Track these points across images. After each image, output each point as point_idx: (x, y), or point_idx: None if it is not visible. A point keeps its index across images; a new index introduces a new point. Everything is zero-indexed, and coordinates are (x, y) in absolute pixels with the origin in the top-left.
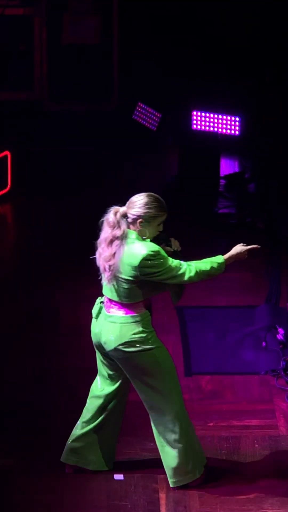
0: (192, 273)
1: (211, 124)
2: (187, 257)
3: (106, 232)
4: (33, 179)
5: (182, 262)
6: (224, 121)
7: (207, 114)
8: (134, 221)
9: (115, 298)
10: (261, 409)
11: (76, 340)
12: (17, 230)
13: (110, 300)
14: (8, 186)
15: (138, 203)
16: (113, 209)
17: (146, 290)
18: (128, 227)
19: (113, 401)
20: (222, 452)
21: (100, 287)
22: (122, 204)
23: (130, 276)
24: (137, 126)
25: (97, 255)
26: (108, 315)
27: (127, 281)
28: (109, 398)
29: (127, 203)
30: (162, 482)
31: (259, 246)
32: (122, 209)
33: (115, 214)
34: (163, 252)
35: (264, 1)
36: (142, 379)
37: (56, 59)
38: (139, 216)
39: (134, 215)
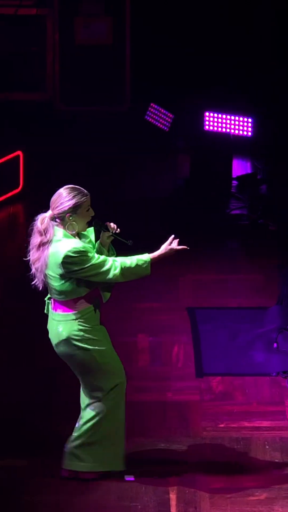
0: (117, 271)
1: (224, 125)
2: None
3: (35, 238)
4: (45, 179)
5: (108, 259)
6: (237, 122)
7: (220, 115)
8: (62, 218)
9: (54, 297)
10: (271, 410)
11: None
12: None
13: (53, 299)
14: (20, 186)
15: (58, 200)
16: (40, 216)
17: (79, 287)
18: (59, 226)
19: None
20: (232, 453)
21: (113, 288)
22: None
23: (57, 274)
24: (150, 127)
25: (31, 260)
26: (52, 313)
27: (55, 279)
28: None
29: (50, 205)
30: (173, 482)
31: (188, 248)
32: (48, 214)
33: (42, 221)
34: (87, 249)
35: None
36: (83, 376)
37: (69, 60)
38: (65, 212)
39: (60, 213)
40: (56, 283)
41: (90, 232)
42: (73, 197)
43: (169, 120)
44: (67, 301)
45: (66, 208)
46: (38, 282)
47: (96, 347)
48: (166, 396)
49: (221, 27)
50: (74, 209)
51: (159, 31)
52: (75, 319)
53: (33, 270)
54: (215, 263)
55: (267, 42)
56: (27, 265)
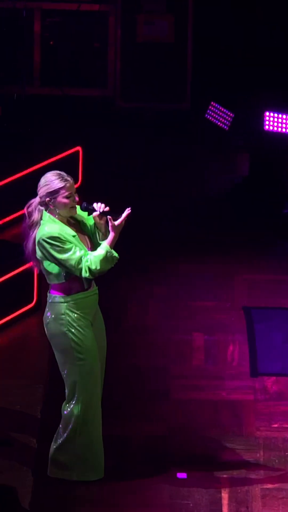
0: (87, 274)
1: (284, 125)
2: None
3: (24, 222)
4: (104, 175)
5: (84, 256)
6: None
7: (280, 115)
8: (44, 203)
9: (47, 279)
10: None
11: (141, 338)
12: None
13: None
14: (79, 181)
15: (39, 185)
16: (28, 203)
17: (63, 271)
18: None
19: None
20: (286, 453)
21: (167, 285)
22: None
23: (39, 256)
24: (210, 126)
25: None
26: (48, 294)
27: (39, 261)
28: None
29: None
30: (225, 481)
31: (129, 210)
32: (35, 200)
33: (29, 205)
34: (65, 237)
35: None
36: (60, 360)
37: (130, 57)
38: (44, 196)
39: (41, 197)
40: (44, 265)
41: (90, 219)
42: (52, 181)
43: (229, 119)
44: (60, 284)
45: (44, 193)
46: (33, 265)
47: (77, 339)
48: (220, 395)
49: (283, 25)
50: (51, 194)
51: (221, 29)
52: (64, 302)
53: (26, 253)
54: (271, 263)
55: None
56: None
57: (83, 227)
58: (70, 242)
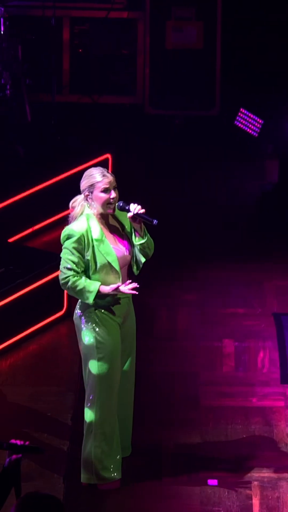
0: (66, 285)
1: None
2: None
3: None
4: (134, 183)
5: (74, 270)
6: None
7: None
8: (85, 197)
9: None
10: None
11: (170, 344)
12: None
13: None
14: None
15: (82, 180)
16: (74, 198)
17: (90, 268)
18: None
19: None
20: None
21: (198, 292)
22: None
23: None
24: (239, 132)
25: None
26: None
27: None
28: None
29: None
30: (256, 488)
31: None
32: (80, 195)
33: (73, 201)
34: (72, 240)
35: None
36: (82, 356)
37: (159, 64)
38: (83, 191)
39: (82, 191)
40: None
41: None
42: (90, 176)
43: (258, 125)
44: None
45: (84, 187)
46: None
47: (101, 338)
48: (251, 402)
49: None
50: (89, 187)
51: (250, 36)
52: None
53: None
54: None
55: None
56: None
57: (124, 227)
58: (78, 252)
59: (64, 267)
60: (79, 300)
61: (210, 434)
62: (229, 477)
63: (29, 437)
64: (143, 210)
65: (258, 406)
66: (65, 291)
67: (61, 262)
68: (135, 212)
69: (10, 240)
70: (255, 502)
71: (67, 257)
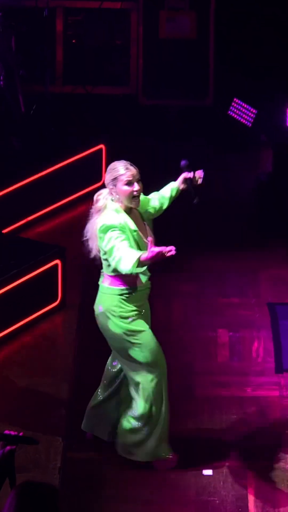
0: (117, 260)
1: None
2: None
3: (93, 211)
4: None
5: (129, 250)
6: None
7: None
8: (110, 191)
9: (103, 269)
10: None
11: (166, 334)
12: None
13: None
14: (103, 180)
15: (107, 172)
16: (98, 192)
17: None
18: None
19: (120, 375)
20: None
21: (192, 282)
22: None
23: (99, 246)
24: (233, 122)
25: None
26: (100, 284)
27: (99, 250)
28: (116, 372)
29: None
30: (251, 477)
31: (172, 249)
32: (105, 189)
33: (98, 194)
34: (118, 229)
35: None
36: (117, 349)
37: (152, 54)
38: (108, 184)
39: (107, 185)
40: (102, 256)
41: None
42: (113, 169)
43: (252, 115)
44: (114, 276)
45: (108, 180)
46: (90, 251)
47: (131, 327)
48: (246, 392)
49: None
50: (113, 180)
51: (243, 26)
52: (117, 295)
53: (85, 238)
54: None
55: None
56: None
57: (146, 217)
58: (124, 234)
59: (112, 256)
60: (99, 297)
61: (205, 423)
62: (224, 467)
63: (24, 428)
64: (200, 181)
65: (253, 396)
66: (59, 281)
67: (109, 253)
68: (193, 180)
69: (4, 231)
70: (250, 491)
71: (117, 243)
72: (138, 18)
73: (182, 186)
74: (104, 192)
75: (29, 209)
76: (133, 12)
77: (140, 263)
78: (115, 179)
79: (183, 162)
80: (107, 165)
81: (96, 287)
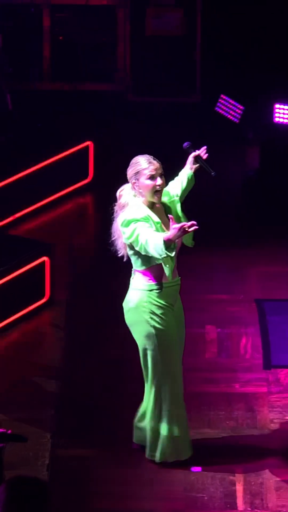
0: (144, 244)
1: None
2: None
3: (118, 214)
4: (114, 170)
5: (153, 232)
6: None
7: None
8: (132, 185)
9: (133, 267)
10: None
11: None
12: (98, 220)
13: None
14: (90, 176)
15: (128, 168)
16: (120, 188)
17: (145, 257)
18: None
19: None
20: None
21: (182, 280)
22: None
23: (125, 240)
24: (220, 119)
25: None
26: (131, 281)
27: (125, 246)
28: None
29: None
30: (239, 474)
31: (194, 224)
32: (128, 184)
33: (120, 190)
34: (141, 221)
35: None
36: (141, 346)
37: (139, 51)
38: (131, 179)
39: (130, 180)
40: (128, 251)
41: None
42: (135, 163)
43: (239, 111)
44: (144, 271)
45: (131, 175)
46: (120, 252)
47: (159, 325)
48: (234, 388)
49: None
50: (135, 175)
51: (230, 22)
52: (147, 290)
53: (113, 238)
54: (284, 255)
55: None
56: (95, 257)
57: (169, 211)
58: (148, 223)
59: (139, 242)
60: (130, 292)
61: (193, 420)
62: (212, 464)
63: (12, 426)
64: (205, 156)
65: (241, 392)
66: (47, 277)
67: (136, 242)
68: (202, 154)
69: None
70: (239, 488)
71: (140, 230)
72: (125, 15)
73: (194, 167)
74: (126, 188)
75: (16, 206)
76: (120, 9)
77: (166, 244)
78: (137, 173)
79: (186, 144)
80: (94, 161)
81: (83, 284)
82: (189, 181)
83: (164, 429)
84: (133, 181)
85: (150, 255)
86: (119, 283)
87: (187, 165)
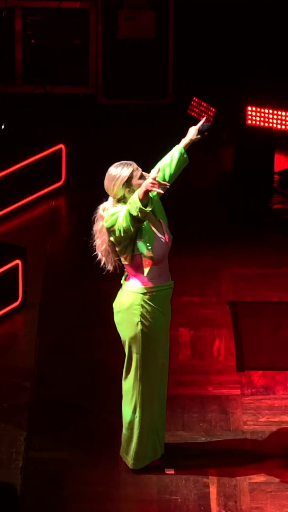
0: (123, 220)
1: (266, 119)
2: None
3: (98, 225)
4: (87, 173)
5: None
6: (279, 117)
7: (262, 110)
8: (123, 196)
9: (125, 265)
10: None
11: None
12: (71, 223)
13: (126, 268)
14: (63, 179)
15: (112, 184)
16: (101, 206)
17: (130, 244)
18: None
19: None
20: (273, 447)
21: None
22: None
23: (113, 239)
24: (192, 121)
25: (96, 245)
26: (124, 282)
27: (110, 245)
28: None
29: (108, 193)
30: (213, 476)
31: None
32: (110, 201)
33: (103, 210)
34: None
35: None
36: (127, 352)
37: (111, 54)
38: (122, 189)
39: (118, 193)
40: (116, 248)
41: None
42: (119, 173)
43: (211, 114)
44: (138, 274)
45: (120, 186)
46: (107, 265)
47: (147, 329)
48: (207, 390)
49: (265, 20)
50: (128, 182)
51: (202, 25)
52: (141, 293)
53: (100, 256)
54: (257, 257)
55: None
56: (68, 260)
57: (155, 213)
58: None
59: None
60: (123, 293)
61: (167, 422)
62: (186, 466)
63: None
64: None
65: (214, 394)
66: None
67: (114, 222)
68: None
69: None
70: (212, 490)
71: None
72: (97, 18)
73: (196, 137)
74: (109, 206)
75: None
76: (92, 11)
77: (141, 202)
78: (127, 181)
79: (205, 125)
80: (66, 164)
81: (57, 287)
82: (179, 160)
83: (135, 434)
84: (126, 189)
85: (126, 227)
86: (93, 286)
87: (183, 140)
